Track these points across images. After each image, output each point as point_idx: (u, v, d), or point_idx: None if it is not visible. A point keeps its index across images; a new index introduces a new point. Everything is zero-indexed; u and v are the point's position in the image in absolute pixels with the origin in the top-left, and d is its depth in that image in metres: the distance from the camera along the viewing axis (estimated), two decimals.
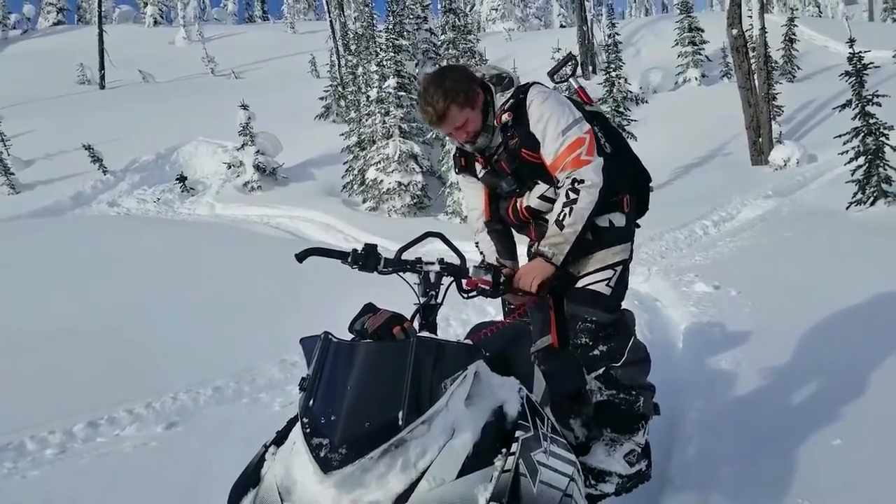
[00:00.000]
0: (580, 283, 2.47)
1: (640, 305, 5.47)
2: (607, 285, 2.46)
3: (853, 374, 3.46)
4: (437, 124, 2.38)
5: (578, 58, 22.12)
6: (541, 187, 2.46)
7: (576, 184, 2.30)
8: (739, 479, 2.69)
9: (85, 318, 5.86)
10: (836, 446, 2.81)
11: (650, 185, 2.78)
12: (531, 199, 2.49)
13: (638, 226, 2.72)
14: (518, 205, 2.51)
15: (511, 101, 2.41)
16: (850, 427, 2.94)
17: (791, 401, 3.33)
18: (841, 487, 2.53)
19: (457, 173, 2.66)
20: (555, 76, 2.85)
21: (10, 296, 6.55)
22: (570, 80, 2.80)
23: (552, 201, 2.42)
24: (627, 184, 2.58)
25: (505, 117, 2.40)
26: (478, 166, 2.55)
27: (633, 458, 2.53)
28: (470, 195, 2.68)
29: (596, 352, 2.46)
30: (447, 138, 15.01)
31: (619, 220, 2.52)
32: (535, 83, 2.49)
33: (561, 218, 2.32)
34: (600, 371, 2.48)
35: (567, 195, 2.32)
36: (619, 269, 2.49)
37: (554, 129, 2.34)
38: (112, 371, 4.66)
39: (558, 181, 2.38)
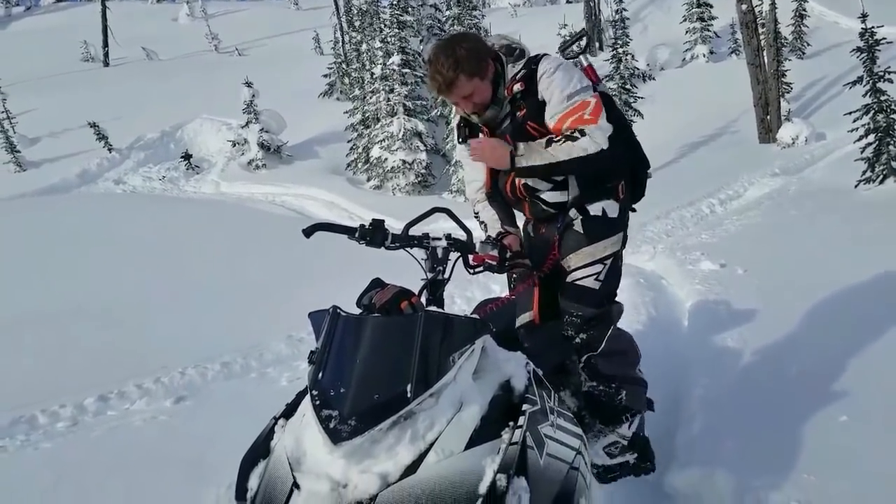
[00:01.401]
0: (570, 278, 2.47)
1: (646, 283, 5.47)
2: (596, 279, 2.45)
3: (860, 351, 3.46)
4: (445, 93, 2.33)
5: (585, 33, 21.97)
6: None
7: (576, 133, 2.27)
8: (745, 455, 2.70)
9: (94, 295, 5.90)
10: (843, 422, 2.82)
11: (648, 171, 2.73)
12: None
13: (633, 210, 2.69)
14: (515, 181, 2.47)
15: (523, 71, 2.37)
16: (857, 403, 2.94)
17: (797, 377, 3.34)
18: (847, 463, 2.54)
19: (459, 143, 2.60)
20: (565, 52, 2.82)
21: (20, 273, 6.60)
22: (581, 57, 2.77)
23: (549, 180, 2.41)
24: (625, 170, 2.55)
25: (517, 87, 2.36)
26: (482, 137, 2.50)
27: (614, 449, 2.55)
28: (470, 167, 2.63)
29: (577, 340, 2.47)
30: (452, 115, 14.94)
31: (612, 209, 2.48)
32: (545, 54, 2.45)
33: (555, 139, 2.28)
34: (583, 361, 2.49)
35: (572, 133, 2.28)
36: (609, 261, 2.47)
37: (560, 93, 2.30)
38: (121, 347, 4.71)
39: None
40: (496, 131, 2.45)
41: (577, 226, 2.44)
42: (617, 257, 2.52)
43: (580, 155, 2.26)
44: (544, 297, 2.49)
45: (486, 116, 2.40)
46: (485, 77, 2.33)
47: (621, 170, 2.52)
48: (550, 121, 2.33)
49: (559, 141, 2.27)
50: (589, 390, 2.49)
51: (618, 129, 2.37)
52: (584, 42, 2.79)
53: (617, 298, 2.62)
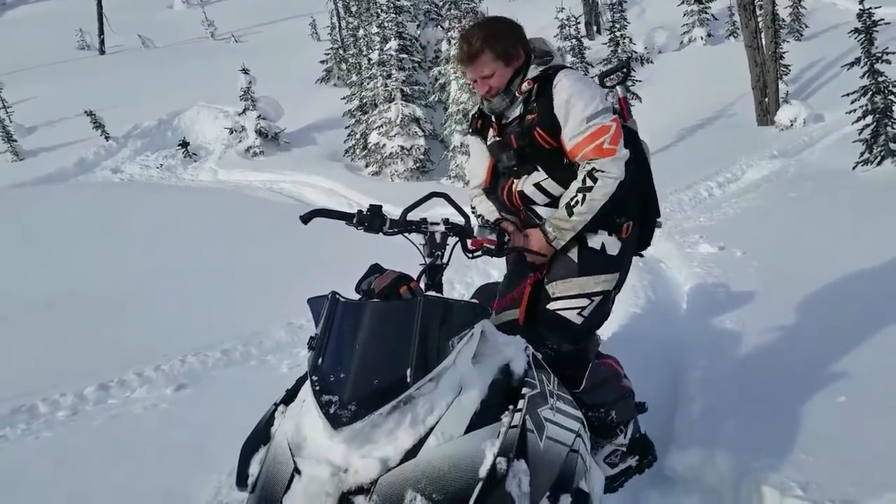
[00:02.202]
0: (552, 305, 2.34)
1: (644, 267, 5.47)
2: (579, 314, 2.32)
3: (858, 332, 3.47)
4: (467, 64, 2.31)
5: (582, 17, 21.81)
6: (539, 174, 2.36)
7: (595, 172, 2.23)
8: (744, 437, 2.72)
9: (93, 283, 5.90)
10: (841, 403, 2.83)
11: (658, 219, 2.63)
12: (526, 185, 2.39)
13: (641, 255, 2.64)
14: (513, 188, 2.42)
15: (539, 70, 2.33)
16: (855, 384, 2.95)
17: (796, 359, 3.35)
18: (845, 444, 2.55)
19: (469, 133, 2.59)
20: (605, 79, 2.74)
21: (19, 263, 6.60)
22: (618, 87, 2.71)
23: (546, 192, 2.35)
24: (636, 211, 2.45)
25: (525, 86, 2.31)
26: (491, 132, 2.47)
27: (614, 458, 2.52)
28: (475, 159, 2.61)
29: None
30: (450, 102, 14.84)
31: (612, 246, 2.37)
32: (568, 66, 2.41)
33: (572, 203, 2.25)
34: None
35: (584, 181, 2.24)
36: (598, 298, 2.35)
37: (580, 113, 2.23)
38: (121, 335, 4.72)
39: (577, 166, 2.29)
40: (504, 130, 2.41)
41: (572, 253, 2.35)
42: (607, 297, 2.39)
43: (603, 200, 2.24)
44: (533, 300, 2.39)
45: (493, 104, 2.37)
46: (509, 64, 2.30)
47: (632, 209, 2.43)
48: (569, 142, 2.27)
49: (578, 200, 2.24)
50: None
51: (637, 173, 2.35)
52: (620, 74, 2.72)
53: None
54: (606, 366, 2.55)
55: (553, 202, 2.35)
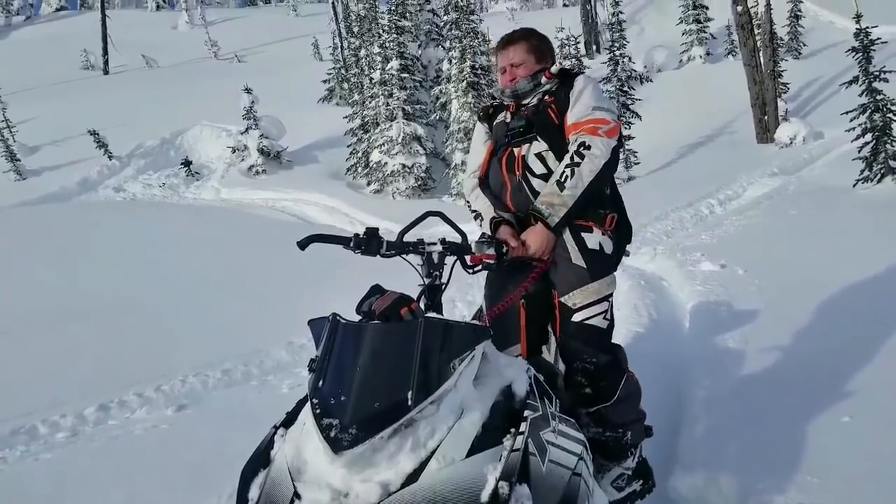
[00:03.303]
0: (578, 317, 2.34)
1: (647, 285, 5.47)
2: (604, 318, 2.37)
3: (862, 351, 3.46)
4: (503, 47, 2.55)
5: (582, 37, 21.92)
6: (540, 145, 2.43)
7: (582, 148, 2.31)
8: (748, 457, 2.69)
9: (94, 302, 5.90)
10: (845, 423, 2.81)
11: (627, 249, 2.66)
12: (528, 153, 2.44)
13: (627, 253, 2.66)
14: (515, 153, 2.46)
15: (564, 66, 2.56)
16: (860, 404, 2.94)
17: (799, 378, 3.33)
18: (850, 464, 2.53)
19: (479, 119, 2.75)
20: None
21: (19, 281, 6.60)
22: None
23: (544, 162, 2.41)
24: (614, 206, 2.50)
25: (554, 68, 2.54)
26: (501, 115, 2.61)
27: (621, 482, 2.50)
28: (476, 145, 2.71)
29: (588, 390, 2.35)
30: (452, 121, 14.92)
31: (607, 245, 2.42)
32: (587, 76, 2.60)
33: (563, 179, 2.31)
34: (591, 411, 2.38)
35: (572, 157, 2.32)
36: (611, 299, 2.42)
37: (588, 100, 2.40)
38: (121, 355, 4.70)
39: (569, 141, 2.38)
40: (521, 107, 2.54)
41: (577, 259, 2.35)
42: (612, 297, 2.44)
43: (590, 177, 2.31)
44: (531, 327, 2.36)
45: (518, 85, 2.52)
46: (539, 61, 2.54)
47: (611, 202, 2.49)
48: (571, 118, 2.41)
49: (567, 175, 2.31)
50: (594, 436, 2.36)
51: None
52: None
53: (616, 306, 2.55)
54: (635, 380, 2.55)
55: (548, 175, 2.41)
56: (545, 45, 2.59)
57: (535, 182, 2.42)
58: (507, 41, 2.56)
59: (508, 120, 2.55)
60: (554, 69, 2.54)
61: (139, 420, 3.82)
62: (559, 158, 2.38)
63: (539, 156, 2.42)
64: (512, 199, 2.48)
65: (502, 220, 2.47)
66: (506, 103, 2.60)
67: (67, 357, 4.73)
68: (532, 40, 2.55)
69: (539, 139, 2.43)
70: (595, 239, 2.39)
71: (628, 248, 2.66)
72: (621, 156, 2.51)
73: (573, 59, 15.57)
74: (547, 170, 2.41)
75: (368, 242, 2.01)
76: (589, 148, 2.31)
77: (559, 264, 2.37)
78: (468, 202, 2.66)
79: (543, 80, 2.52)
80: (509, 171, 2.48)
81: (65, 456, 3.42)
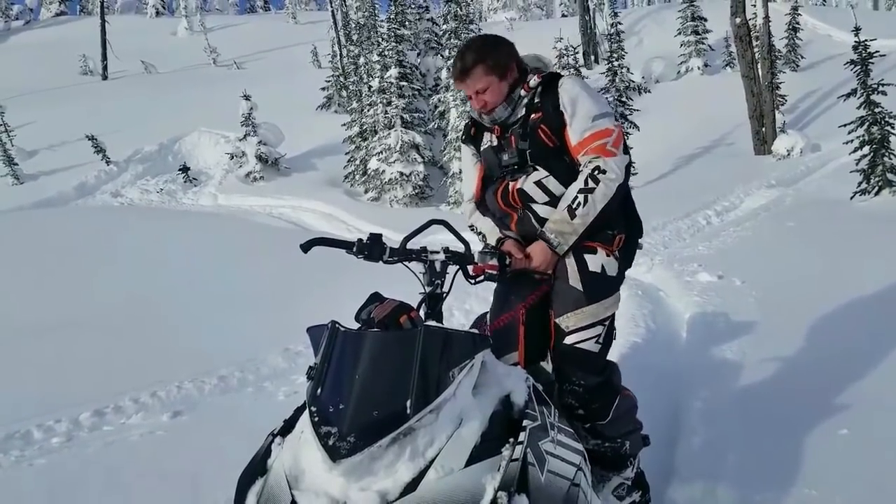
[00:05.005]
0: (570, 340, 2.30)
1: (644, 296, 5.46)
2: (597, 342, 2.32)
3: (859, 363, 3.46)
4: (460, 80, 2.33)
5: (580, 47, 22.00)
6: (539, 173, 2.33)
7: (597, 172, 2.22)
8: (746, 470, 2.69)
9: (89, 308, 5.87)
10: (843, 436, 2.81)
11: (640, 241, 2.61)
12: (526, 183, 2.34)
13: (640, 246, 2.62)
14: (510, 187, 2.38)
15: (539, 79, 2.36)
16: (857, 417, 2.93)
17: (797, 390, 3.33)
18: (848, 477, 2.52)
19: (462, 141, 2.59)
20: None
21: (15, 287, 6.57)
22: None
23: (546, 190, 2.32)
24: (624, 225, 2.43)
25: (535, 80, 2.35)
26: (486, 137, 2.47)
27: (622, 491, 2.49)
28: (466, 171, 2.61)
29: (581, 411, 2.32)
30: (450, 129, 14.91)
31: (611, 267, 2.35)
32: (570, 75, 2.44)
33: (574, 205, 2.22)
34: (586, 426, 2.36)
35: (585, 182, 2.23)
36: (608, 322, 2.35)
37: (586, 110, 2.26)
38: (117, 361, 4.67)
39: (579, 164, 2.29)
40: (505, 134, 2.40)
41: (575, 281, 2.30)
42: (614, 319, 2.39)
43: (604, 202, 2.23)
44: (530, 337, 2.33)
45: (496, 114, 2.37)
46: (503, 79, 2.32)
47: (622, 222, 2.42)
48: (573, 137, 2.28)
49: (580, 202, 2.23)
50: (593, 448, 2.36)
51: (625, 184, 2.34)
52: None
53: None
54: (629, 396, 2.53)
55: (552, 201, 2.32)
56: (503, 55, 2.34)
57: (540, 209, 2.34)
58: (462, 72, 2.31)
59: (495, 144, 2.43)
60: (532, 83, 2.35)
61: (134, 426, 3.79)
62: (563, 182, 2.30)
63: (539, 183, 2.33)
64: (518, 228, 2.43)
65: (507, 238, 2.44)
66: (487, 125, 2.45)
67: (63, 362, 4.71)
68: (487, 60, 2.29)
69: (538, 168, 2.34)
70: (598, 261, 2.33)
71: (641, 241, 2.61)
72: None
73: (572, 70, 15.62)
74: (549, 196, 2.33)
75: (371, 248, 2.00)
76: (605, 172, 2.22)
77: (557, 285, 2.34)
78: (471, 226, 2.61)
79: (522, 93, 2.36)
80: (507, 205, 2.41)
81: (59, 461, 3.39)
